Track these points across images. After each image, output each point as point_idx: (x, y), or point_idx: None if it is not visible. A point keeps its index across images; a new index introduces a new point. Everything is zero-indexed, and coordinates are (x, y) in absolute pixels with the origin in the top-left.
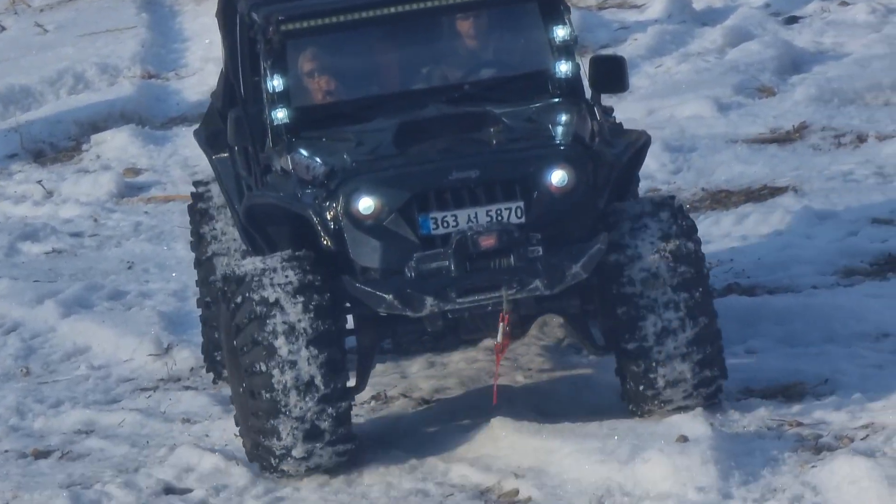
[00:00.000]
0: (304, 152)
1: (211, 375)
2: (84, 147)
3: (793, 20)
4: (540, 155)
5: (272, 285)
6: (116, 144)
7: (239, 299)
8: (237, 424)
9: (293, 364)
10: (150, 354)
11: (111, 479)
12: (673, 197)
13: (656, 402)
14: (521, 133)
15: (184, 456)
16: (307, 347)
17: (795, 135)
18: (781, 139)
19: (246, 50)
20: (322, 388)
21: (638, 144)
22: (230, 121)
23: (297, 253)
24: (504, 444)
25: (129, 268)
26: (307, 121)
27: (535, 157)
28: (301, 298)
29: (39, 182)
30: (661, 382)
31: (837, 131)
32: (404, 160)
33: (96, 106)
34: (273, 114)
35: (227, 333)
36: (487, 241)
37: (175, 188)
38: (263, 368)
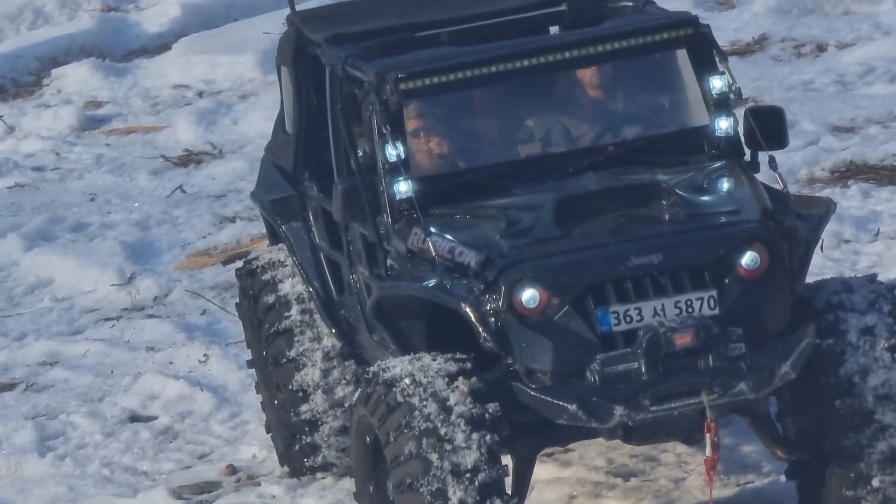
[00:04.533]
0: (443, 233)
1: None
2: (45, 82)
3: None
4: (730, 234)
5: (428, 393)
6: (77, 78)
7: (388, 407)
8: None
9: (456, 478)
10: (113, 284)
11: (76, 409)
12: (876, 274)
13: None
14: (700, 207)
15: (148, 384)
16: (466, 461)
17: (755, 46)
18: (741, 51)
19: (339, 110)
20: None
21: (829, 217)
22: (339, 194)
23: (456, 355)
24: None
25: (92, 200)
26: (433, 193)
27: (724, 236)
28: (462, 408)
29: (0, 118)
30: (876, 485)
31: (797, 41)
32: (571, 243)
33: (56, 40)
34: (394, 187)
35: (363, 438)
36: (683, 339)
37: (136, 119)
38: (419, 483)
